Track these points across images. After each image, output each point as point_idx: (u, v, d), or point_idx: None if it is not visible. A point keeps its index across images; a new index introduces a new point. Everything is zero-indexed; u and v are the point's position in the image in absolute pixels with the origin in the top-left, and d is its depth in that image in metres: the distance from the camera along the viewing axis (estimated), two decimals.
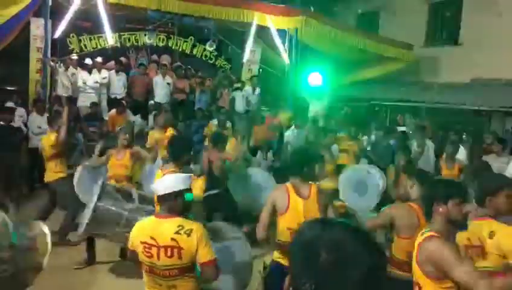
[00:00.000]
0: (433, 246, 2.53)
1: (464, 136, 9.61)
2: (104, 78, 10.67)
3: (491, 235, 3.07)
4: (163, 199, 2.90)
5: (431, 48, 13.59)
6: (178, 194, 2.89)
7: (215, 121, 9.41)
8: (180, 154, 4.37)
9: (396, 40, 12.76)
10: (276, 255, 3.47)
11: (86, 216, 4.52)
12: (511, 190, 3.13)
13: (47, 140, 6.32)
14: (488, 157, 7.06)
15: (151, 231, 2.86)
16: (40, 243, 4.17)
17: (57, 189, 6.37)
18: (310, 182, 3.48)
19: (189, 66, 12.29)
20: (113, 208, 4.53)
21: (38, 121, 8.55)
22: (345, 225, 1.18)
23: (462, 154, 7.36)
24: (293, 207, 3.34)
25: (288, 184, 3.49)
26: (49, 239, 4.27)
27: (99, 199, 4.50)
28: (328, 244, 1.10)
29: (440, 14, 14.06)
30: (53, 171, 6.31)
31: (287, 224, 3.33)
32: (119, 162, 5.65)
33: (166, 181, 2.93)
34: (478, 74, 11.94)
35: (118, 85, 10.94)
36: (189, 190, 2.96)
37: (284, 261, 3.33)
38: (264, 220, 3.41)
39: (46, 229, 4.31)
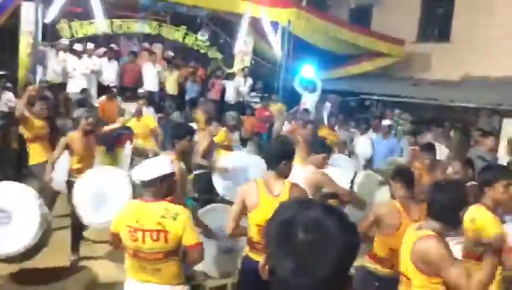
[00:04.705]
0: (428, 245, 2.58)
1: (451, 132, 9.73)
2: (95, 65, 10.59)
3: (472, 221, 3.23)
4: (148, 184, 2.89)
5: (423, 44, 13.66)
6: (163, 179, 2.89)
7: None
8: (179, 139, 4.30)
9: (388, 35, 12.81)
10: (248, 250, 3.39)
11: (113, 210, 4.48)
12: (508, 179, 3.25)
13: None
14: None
15: (136, 214, 2.86)
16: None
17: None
18: (283, 179, 3.30)
19: (180, 56, 12.26)
20: None
21: None
22: (321, 204, 1.20)
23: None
24: (262, 204, 3.18)
25: (259, 180, 3.35)
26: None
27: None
28: (305, 223, 1.11)
29: (432, 11, 14.13)
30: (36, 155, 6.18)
31: (256, 221, 3.22)
32: (87, 152, 5.42)
33: (149, 166, 2.92)
34: (468, 71, 12.06)
35: (110, 72, 10.85)
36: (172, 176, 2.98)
37: (254, 257, 3.24)
38: (233, 215, 3.33)
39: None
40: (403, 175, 3.64)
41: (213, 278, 4.32)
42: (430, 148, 5.81)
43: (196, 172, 6.35)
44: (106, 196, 4.61)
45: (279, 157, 3.29)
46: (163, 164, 2.97)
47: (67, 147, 5.34)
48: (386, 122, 8.95)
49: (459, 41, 12.55)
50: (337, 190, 4.21)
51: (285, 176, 3.32)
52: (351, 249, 1.12)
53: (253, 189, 3.28)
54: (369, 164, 8.41)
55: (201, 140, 6.27)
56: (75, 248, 5.22)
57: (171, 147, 4.15)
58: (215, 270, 4.05)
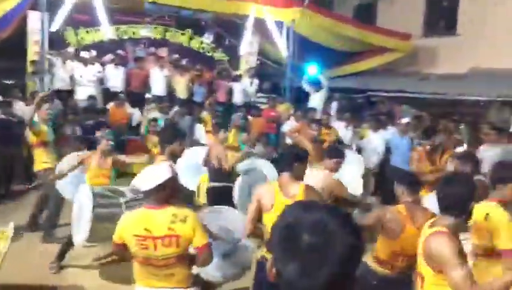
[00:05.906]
0: (437, 242, 2.57)
1: (460, 126, 9.62)
2: (99, 72, 10.65)
3: (486, 217, 3.19)
4: (149, 193, 2.88)
5: (429, 38, 13.56)
6: (163, 185, 2.85)
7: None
8: (168, 143, 4.21)
9: (394, 30, 12.74)
10: (265, 251, 3.44)
11: (84, 228, 4.28)
12: None
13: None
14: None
15: (144, 222, 2.84)
16: None
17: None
18: (299, 180, 3.38)
19: (186, 59, 12.30)
20: (108, 210, 4.26)
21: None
22: (325, 206, 1.20)
23: None
24: (277, 207, 3.22)
25: (274, 182, 3.47)
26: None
27: (93, 207, 4.24)
28: (309, 226, 1.11)
29: (437, 4, 14.01)
30: (41, 161, 6.22)
31: (271, 222, 3.21)
32: (101, 171, 5.33)
33: (148, 176, 2.90)
34: (476, 64, 11.94)
35: (116, 78, 10.90)
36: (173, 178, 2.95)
37: (270, 257, 3.23)
38: (250, 216, 3.40)
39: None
40: (406, 180, 3.59)
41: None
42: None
43: (215, 184, 6.11)
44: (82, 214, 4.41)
45: (292, 159, 3.40)
46: (161, 171, 2.93)
47: (82, 162, 5.35)
48: (404, 120, 8.75)
49: (466, 34, 12.43)
50: (348, 197, 4.29)
51: (300, 178, 3.39)
52: (355, 251, 1.12)
53: (268, 191, 3.37)
54: (385, 161, 8.33)
55: (214, 150, 6.23)
56: (60, 256, 5.13)
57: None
58: (219, 275, 4.02)
